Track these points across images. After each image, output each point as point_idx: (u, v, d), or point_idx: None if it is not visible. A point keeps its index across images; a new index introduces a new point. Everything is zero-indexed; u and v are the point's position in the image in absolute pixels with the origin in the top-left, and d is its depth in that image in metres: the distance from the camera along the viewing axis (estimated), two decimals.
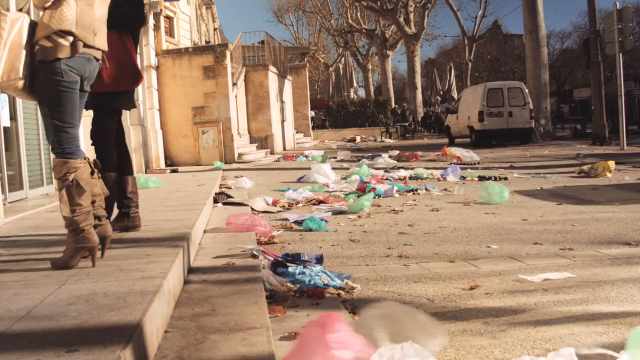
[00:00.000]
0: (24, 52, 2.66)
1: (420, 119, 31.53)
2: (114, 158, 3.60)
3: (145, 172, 11.31)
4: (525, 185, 7.62)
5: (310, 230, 4.85)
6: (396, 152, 13.79)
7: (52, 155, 2.81)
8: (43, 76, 2.69)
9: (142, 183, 7.38)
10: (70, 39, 2.69)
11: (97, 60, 2.89)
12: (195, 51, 14.41)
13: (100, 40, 2.88)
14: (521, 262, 3.60)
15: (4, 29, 2.61)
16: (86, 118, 3.28)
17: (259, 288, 2.76)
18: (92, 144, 3.62)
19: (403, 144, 21.67)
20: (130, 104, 3.77)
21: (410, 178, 8.76)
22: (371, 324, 1.84)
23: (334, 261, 3.76)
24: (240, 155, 14.19)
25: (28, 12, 2.82)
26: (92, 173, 2.83)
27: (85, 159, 2.81)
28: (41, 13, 2.73)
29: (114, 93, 3.54)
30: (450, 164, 10.29)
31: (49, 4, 2.66)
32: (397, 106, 30.86)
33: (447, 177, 8.76)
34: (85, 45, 2.76)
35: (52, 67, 2.67)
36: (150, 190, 7.02)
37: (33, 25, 2.71)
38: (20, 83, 2.66)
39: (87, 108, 3.54)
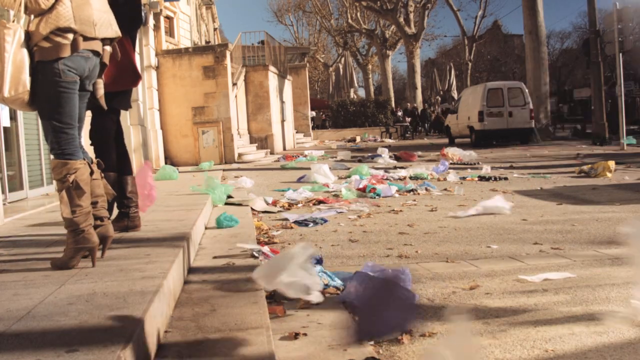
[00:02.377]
0: (27, 63, 2.64)
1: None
2: (113, 158, 3.59)
3: None
4: (525, 185, 7.63)
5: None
6: (386, 151, 13.65)
7: (51, 156, 2.80)
8: (41, 77, 2.67)
9: (168, 173, 8.98)
10: (70, 36, 2.67)
11: (98, 55, 2.86)
12: (195, 51, 14.41)
13: (105, 30, 2.84)
14: (521, 262, 3.60)
15: (8, 42, 2.59)
16: (86, 118, 3.28)
17: (259, 288, 2.75)
18: (91, 144, 3.62)
19: (403, 144, 21.67)
20: (127, 104, 3.77)
21: (410, 178, 8.76)
22: None
23: (334, 261, 3.76)
24: (240, 155, 14.19)
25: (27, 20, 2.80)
26: (91, 173, 2.82)
27: (84, 159, 2.80)
28: (32, 18, 2.71)
29: (112, 93, 3.53)
30: (447, 162, 10.38)
31: (49, 6, 2.65)
32: (415, 105, 30.16)
33: (437, 173, 8.94)
34: (86, 39, 2.74)
35: (51, 68, 2.66)
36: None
37: (27, 32, 2.69)
38: (27, 96, 2.65)
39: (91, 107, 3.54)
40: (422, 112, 28.32)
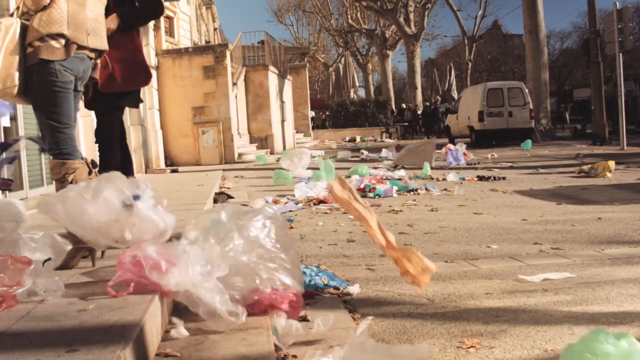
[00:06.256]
0: (17, 58, 2.64)
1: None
2: (117, 158, 3.59)
3: (146, 172, 11.31)
4: (525, 185, 7.63)
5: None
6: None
7: (50, 156, 2.80)
8: (37, 77, 2.67)
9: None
10: (63, 41, 2.66)
11: (91, 59, 2.87)
12: (195, 51, 14.41)
13: (96, 40, 2.84)
14: (521, 262, 3.60)
15: None
16: (86, 118, 3.28)
17: None
18: (96, 142, 3.62)
19: (404, 144, 21.62)
20: (137, 102, 3.77)
21: (410, 178, 8.76)
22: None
23: (334, 261, 3.76)
24: (240, 155, 14.18)
25: (19, 16, 2.79)
26: (89, 173, 2.82)
27: (82, 159, 2.80)
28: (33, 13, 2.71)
29: (122, 92, 3.53)
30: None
31: (46, 3, 2.65)
32: (427, 103, 29.50)
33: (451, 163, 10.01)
34: (79, 47, 2.74)
35: (46, 68, 2.65)
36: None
37: (24, 28, 2.69)
38: (15, 90, 2.65)
39: (89, 108, 3.54)
40: (432, 111, 27.03)
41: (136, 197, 2.30)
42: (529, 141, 15.36)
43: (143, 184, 2.38)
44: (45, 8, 2.65)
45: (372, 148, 17.21)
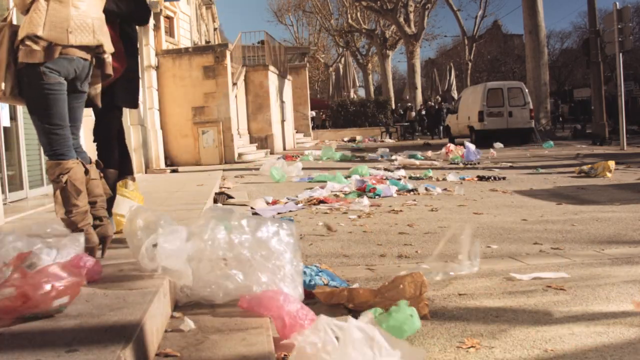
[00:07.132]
0: (4, 63, 2.63)
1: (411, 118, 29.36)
2: (116, 156, 3.58)
3: (146, 172, 11.31)
4: (525, 185, 7.63)
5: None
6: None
7: (46, 157, 2.79)
8: (27, 80, 2.66)
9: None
10: (43, 43, 2.62)
11: (85, 59, 2.82)
12: (195, 51, 14.41)
13: (83, 37, 2.75)
14: (521, 262, 3.60)
15: None
16: (86, 117, 3.26)
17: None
18: (94, 141, 3.61)
19: (406, 144, 21.64)
20: (135, 102, 3.72)
21: (410, 178, 8.76)
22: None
23: (334, 261, 3.76)
24: (240, 155, 14.18)
25: (11, 20, 2.77)
26: (86, 173, 2.80)
27: (81, 160, 2.79)
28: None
29: (117, 90, 3.50)
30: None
31: (27, 4, 2.63)
32: (430, 102, 29.18)
33: (470, 158, 10.89)
34: (65, 46, 2.69)
35: (33, 71, 2.63)
36: (150, 190, 7.03)
37: (16, 31, 2.68)
38: (0, 94, 2.65)
39: (86, 106, 3.52)
40: (437, 111, 26.36)
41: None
42: (551, 142, 16.10)
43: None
44: (27, 11, 2.64)
45: (372, 148, 17.20)
